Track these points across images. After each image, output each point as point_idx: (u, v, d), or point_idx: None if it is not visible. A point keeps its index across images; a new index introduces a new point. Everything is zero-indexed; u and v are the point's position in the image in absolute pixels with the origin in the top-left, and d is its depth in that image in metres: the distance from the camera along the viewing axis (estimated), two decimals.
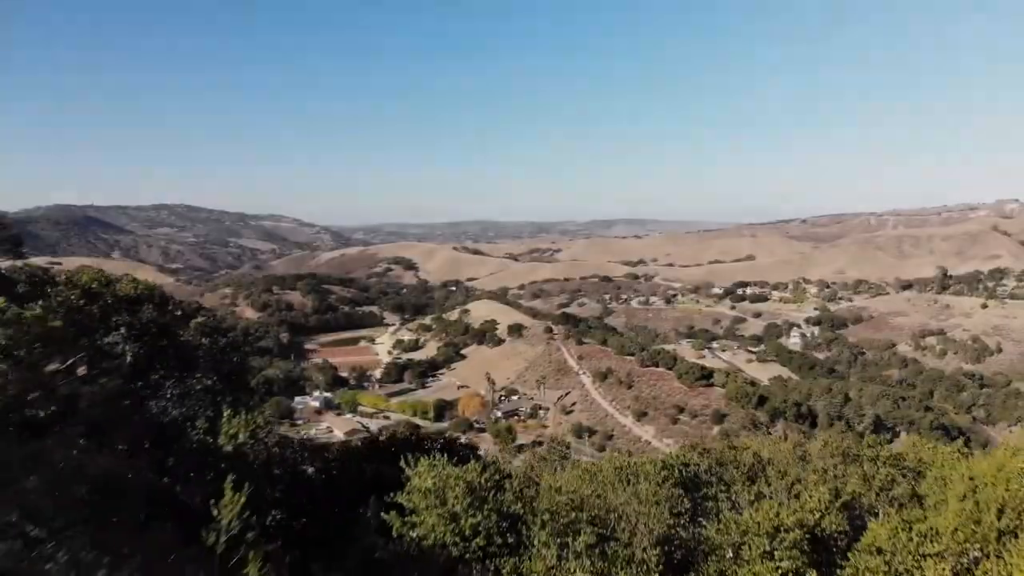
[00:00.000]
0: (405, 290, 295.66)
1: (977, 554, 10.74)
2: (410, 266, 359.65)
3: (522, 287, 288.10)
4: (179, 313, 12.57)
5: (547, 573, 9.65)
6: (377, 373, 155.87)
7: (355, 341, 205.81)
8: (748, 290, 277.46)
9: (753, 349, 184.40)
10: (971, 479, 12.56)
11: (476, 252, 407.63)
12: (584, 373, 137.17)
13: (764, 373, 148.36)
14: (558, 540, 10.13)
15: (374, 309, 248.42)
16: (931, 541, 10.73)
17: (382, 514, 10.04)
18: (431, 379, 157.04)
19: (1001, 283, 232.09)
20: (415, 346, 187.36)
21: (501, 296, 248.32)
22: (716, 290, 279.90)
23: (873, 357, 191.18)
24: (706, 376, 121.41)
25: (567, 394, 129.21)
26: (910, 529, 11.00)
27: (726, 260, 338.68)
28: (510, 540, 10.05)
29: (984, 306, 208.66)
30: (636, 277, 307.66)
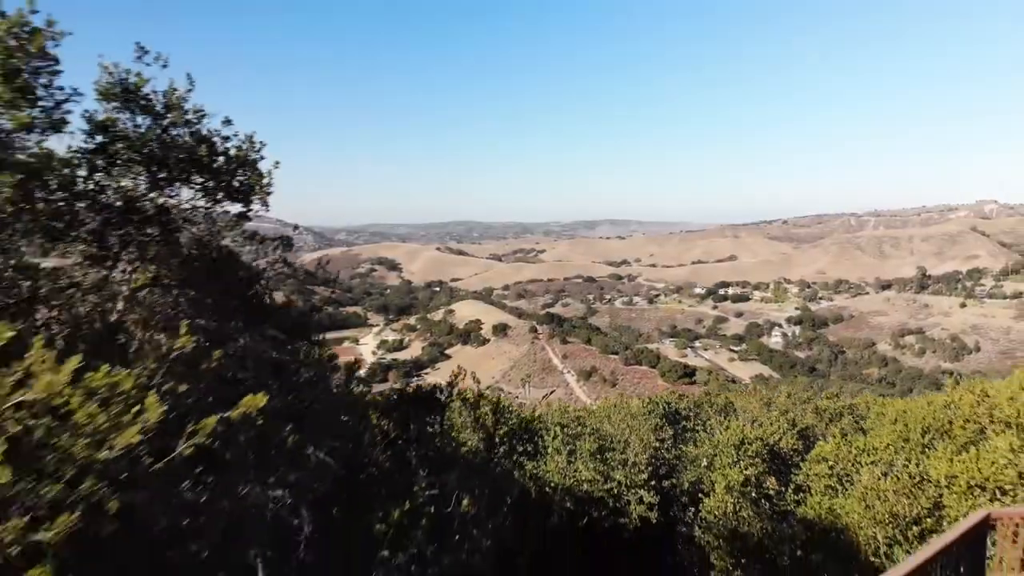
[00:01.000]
0: (389, 291, 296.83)
1: (904, 461, 13.28)
2: (393, 267, 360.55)
3: (506, 287, 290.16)
4: None
5: (559, 471, 12.08)
6: (362, 373, 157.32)
7: (339, 342, 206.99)
8: (730, 290, 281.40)
9: (735, 348, 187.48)
10: (904, 411, 15.16)
11: (460, 253, 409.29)
12: (568, 372, 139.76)
13: (746, 371, 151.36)
14: (567, 448, 12.57)
15: (358, 310, 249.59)
16: (867, 453, 13.24)
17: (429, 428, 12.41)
18: (416, 379, 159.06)
19: (979, 283, 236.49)
20: (400, 346, 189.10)
21: (485, 296, 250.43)
22: (698, 290, 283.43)
23: (853, 356, 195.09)
24: (688, 374, 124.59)
25: (552, 392, 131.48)
26: (851, 445, 13.55)
27: (708, 261, 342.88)
28: (529, 448, 12.44)
29: (963, 305, 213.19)
30: (620, 277, 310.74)
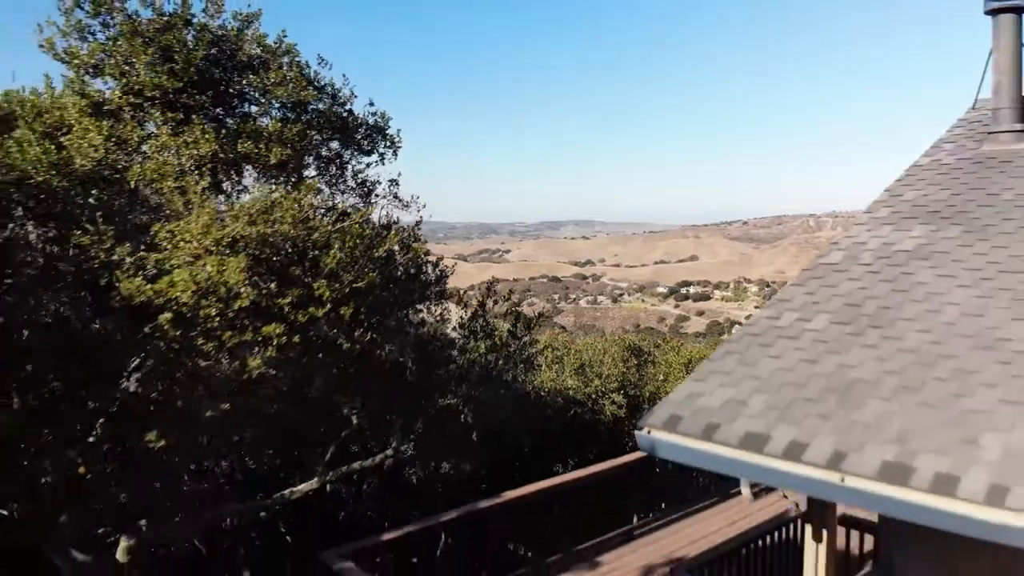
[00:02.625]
0: None
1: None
2: None
3: (472, 287, 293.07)
4: None
5: (550, 380, 15.83)
6: None
7: None
8: (691, 289, 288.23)
9: (697, 345, 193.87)
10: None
11: (426, 253, 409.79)
12: None
13: None
14: (555, 365, 16.34)
15: None
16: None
17: None
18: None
19: None
20: None
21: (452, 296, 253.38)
22: (661, 289, 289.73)
23: None
24: None
25: None
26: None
27: (671, 261, 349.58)
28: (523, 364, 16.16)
29: None
30: (584, 277, 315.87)
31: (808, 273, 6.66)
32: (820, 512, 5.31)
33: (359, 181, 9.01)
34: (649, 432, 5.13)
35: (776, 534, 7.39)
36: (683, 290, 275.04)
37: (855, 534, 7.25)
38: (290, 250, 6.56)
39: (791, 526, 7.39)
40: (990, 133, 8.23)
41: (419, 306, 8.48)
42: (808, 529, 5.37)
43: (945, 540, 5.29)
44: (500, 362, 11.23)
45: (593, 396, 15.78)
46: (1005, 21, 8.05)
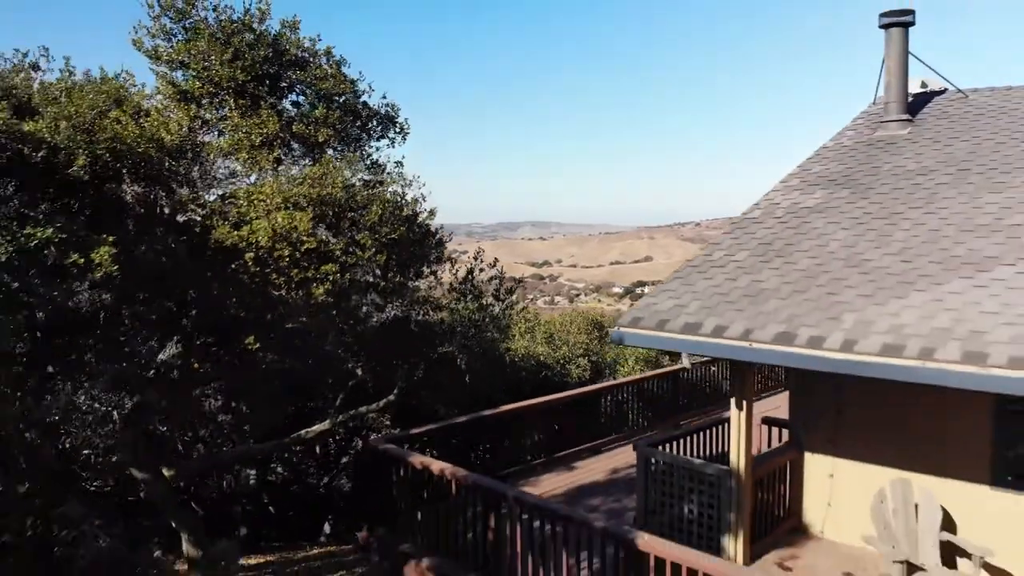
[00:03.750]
0: None
1: None
2: None
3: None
4: None
5: (523, 348, 17.81)
6: None
7: None
8: (646, 289, 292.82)
9: None
10: None
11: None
12: None
13: None
14: (527, 334, 18.33)
15: None
16: None
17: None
18: None
19: None
20: None
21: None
22: (617, 289, 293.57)
23: None
24: None
25: None
26: None
27: (626, 261, 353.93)
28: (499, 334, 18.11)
29: None
30: (542, 278, 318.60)
31: (735, 225, 8.75)
32: (739, 386, 7.32)
33: (372, 161, 10.84)
34: (619, 329, 7.15)
35: (711, 430, 9.51)
36: (638, 290, 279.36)
37: (775, 430, 9.34)
38: (338, 208, 8.43)
39: (723, 425, 9.47)
40: (882, 122, 10.46)
41: (431, 260, 10.28)
42: (732, 402, 7.38)
43: (833, 419, 7.48)
44: (487, 320, 13.14)
45: (561, 361, 17.80)
46: (894, 34, 10.27)
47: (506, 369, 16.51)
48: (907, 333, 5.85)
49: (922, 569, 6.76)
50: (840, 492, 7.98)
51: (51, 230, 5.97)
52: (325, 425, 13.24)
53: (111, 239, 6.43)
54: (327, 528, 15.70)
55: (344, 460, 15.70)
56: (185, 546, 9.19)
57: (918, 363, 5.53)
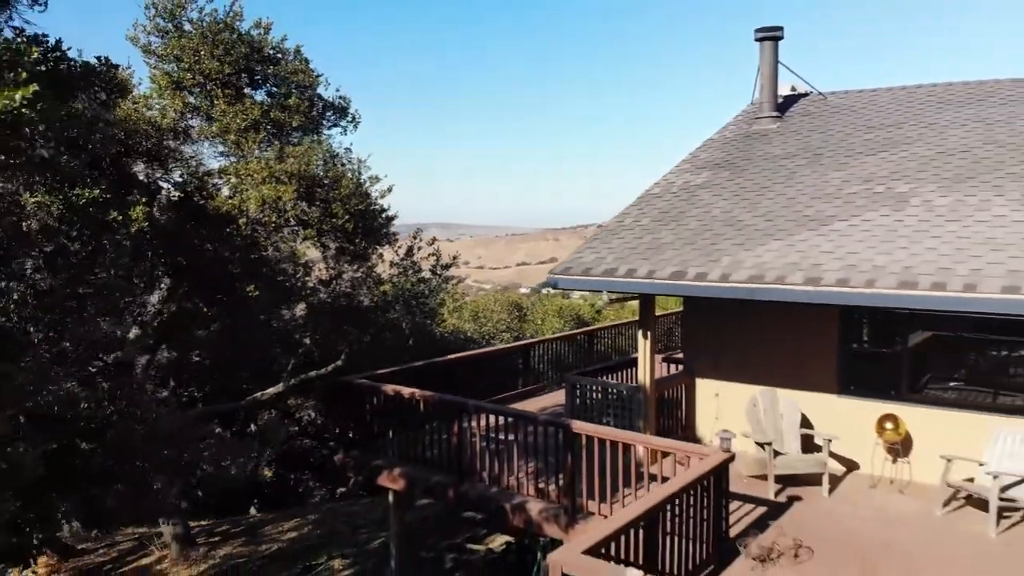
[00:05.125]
0: None
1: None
2: None
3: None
4: None
5: (452, 324, 19.52)
6: None
7: None
8: (550, 291, 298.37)
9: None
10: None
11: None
12: None
13: None
14: (455, 312, 20.06)
15: None
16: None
17: None
18: None
19: None
20: None
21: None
22: (524, 290, 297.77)
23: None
24: None
25: None
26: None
27: (532, 263, 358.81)
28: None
29: None
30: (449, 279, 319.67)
31: (640, 199, 10.78)
32: (645, 317, 9.31)
33: (328, 145, 12.35)
34: (553, 276, 9.03)
35: (622, 371, 11.53)
36: (543, 291, 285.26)
37: (674, 367, 11.42)
38: (314, 183, 9.98)
39: (631, 368, 11.50)
40: (757, 118, 12.73)
41: (384, 233, 11.85)
42: (639, 333, 9.35)
43: (716, 351, 9.56)
44: (427, 292, 14.78)
45: (487, 336, 19.64)
46: (766, 47, 12.52)
47: (437, 343, 18.20)
48: (767, 267, 7.96)
49: (785, 454, 8.91)
50: (724, 408, 10.09)
51: (97, 191, 7.29)
52: (279, 388, 14.64)
53: (143, 200, 7.82)
54: (253, 511, 17.06)
55: (268, 452, 17.06)
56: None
57: (774, 286, 7.65)
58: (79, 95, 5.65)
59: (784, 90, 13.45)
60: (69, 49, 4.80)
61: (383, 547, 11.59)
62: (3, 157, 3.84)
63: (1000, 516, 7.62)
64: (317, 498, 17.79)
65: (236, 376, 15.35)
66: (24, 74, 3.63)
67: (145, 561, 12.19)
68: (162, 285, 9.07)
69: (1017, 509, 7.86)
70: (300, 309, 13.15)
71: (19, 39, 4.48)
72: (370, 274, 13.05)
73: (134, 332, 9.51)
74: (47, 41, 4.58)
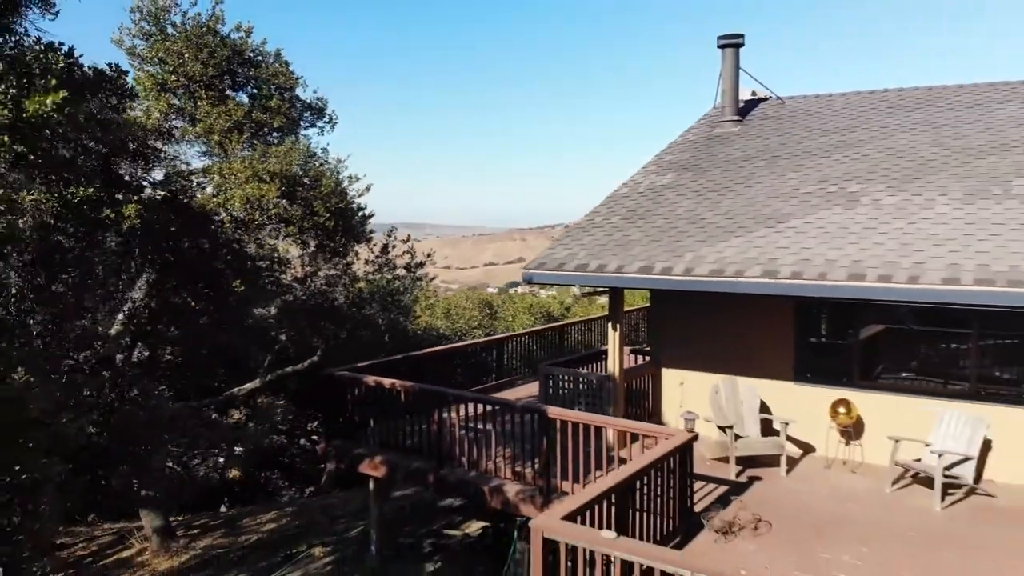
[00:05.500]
0: None
1: None
2: None
3: None
4: None
5: (425, 322, 19.91)
6: None
7: None
8: (519, 289, 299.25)
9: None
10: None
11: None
12: None
13: None
14: (427, 310, 20.43)
15: None
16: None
17: None
18: None
19: None
20: None
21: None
22: (491, 290, 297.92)
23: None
24: None
25: None
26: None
27: (499, 263, 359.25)
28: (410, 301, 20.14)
29: None
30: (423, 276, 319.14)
31: (609, 198, 11.30)
32: (615, 309, 9.82)
33: (307, 145, 12.69)
34: (528, 271, 9.50)
35: (597, 361, 12.04)
36: (511, 290, 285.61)
37: (641, 358, 11.97)
38: (296, 182, 10.33)
39: (601, 360, 12.01)
40: (719, 122, 13.34)
41: (361, 231, 12.23)
42: (609, 325, 9.86)
43: (680, 342, 10.08)
44: (401, 288, 15.17)
45: (459, 333, 20.06)
46: (728, 54, 13.12)
47: (411, 339, 18.57)
48: (727, 262, 8.52)
49: (745, 437, 9.48)
50: (688, 396, 10.63)
51: (91, 190, 7.59)
52: (255, 383, 14.92)
53: (136, 198, 8.12)
54: (223, 509, 17.30)
55: (238, 450, 17.33)
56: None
57: (734, 279, 8.20)
58: (92, 99, 5.96)
59: (745, 95, 14.08)
60: (81, 56, 5.13)
61: (362, 535, 11.95)
62: (32, 156, 4.17)
63: (944, 493, 8.25)
64: (286, 497, 18.03)
65: (210, 373, 15.58)
66: (53, 81, 3.97)
67: (126, 554, 12.39)
68: (142, 281, 9.36)
69: (960, 486, 8.49)
70: (275, 305, 13.45)
71: (36, 46, 4.81)
72: (346, 271, 13.40)
73: (116, 328, 9.77)
74: (62, 48, 4.91)
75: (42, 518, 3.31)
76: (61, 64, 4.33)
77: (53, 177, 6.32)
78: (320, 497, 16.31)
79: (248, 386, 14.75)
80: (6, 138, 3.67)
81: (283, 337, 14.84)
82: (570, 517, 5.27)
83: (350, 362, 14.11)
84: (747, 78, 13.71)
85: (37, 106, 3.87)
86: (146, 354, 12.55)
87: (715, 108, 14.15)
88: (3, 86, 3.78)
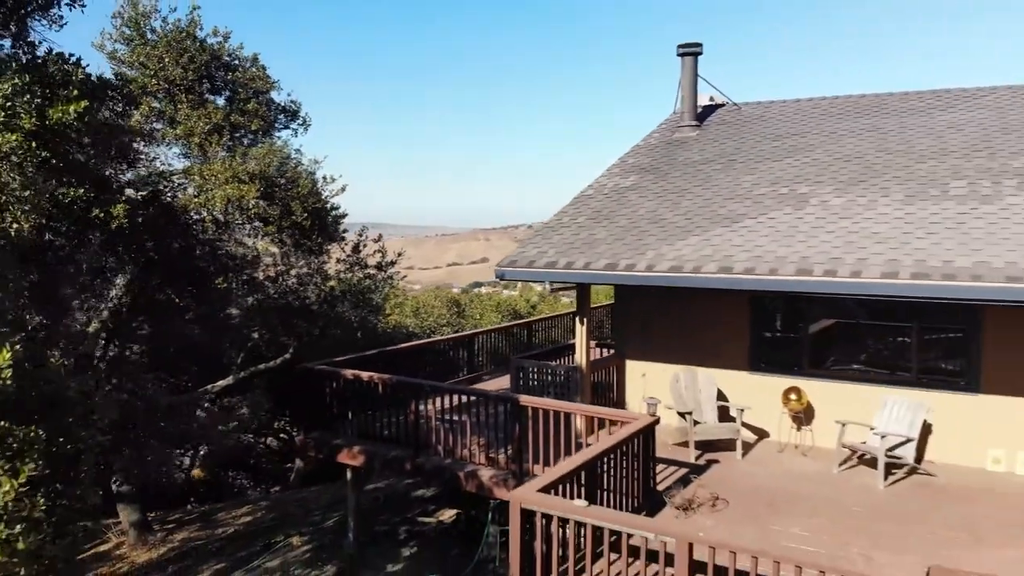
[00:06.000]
0: None
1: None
2: None
3: None
4: None
5: (395, 320, 20.30)
6: None
7: None
8: (483, 289, 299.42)
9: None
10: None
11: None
12: None
13: None
14: (397, 308, 20.83)
15: None
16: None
17: None
18: None
19: None
20: None
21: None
22: (455, 289, 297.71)
23: None
24: None
25: None
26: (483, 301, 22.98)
27: (463, 263, 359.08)
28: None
29: None
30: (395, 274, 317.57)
31: (576, 199, 11.86)
32: (582, 304, 10.39)
33: (281, 145, 13.01)
34: (501, 268, 10.01)
35: (565, 355, 12.61)
36: (475, 290, 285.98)
37: (606, 351, 12.55)
38: (274, 183, 10.69)
39: (568, 355, 12.57)
40: (678, 127, 13.99)
41: (335, 230, 12.59)
42: (577, 319, 10.42)
43: (642, 335, 10.65)
44: (373, 287, 15.52)
45: (427, 331, 20.48)
46: (687, 62, 13.77)
47: (381, 337, 18.95)
48: (685, 259, 9.13)
49: (704, 423, 10.11)
50: (650, 385, 11.23)
51: (81, 190, 7.89)
52: (228, 380, 15.17)
53: (123, 199, 8.44)
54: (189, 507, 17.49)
55: (203, 451, 17.55)
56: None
57: (692, 274, 8.81)
58: (99, 106, 6.30)
59: (703, 100, 14.76)
60: (88, 65, 5.49)
61: (337, 525, 12.33)
62: (54, 161, 4.54)
63: (888, 472, 8.95)
64: (253, 497, 18.24)
65: (181, 370, 15.77)
66: (75, 91, 4.36)
67: (103, 548, 12.60)
68: (120, 280, 9.63)
69: (902, 466, 9.19)
70: (248, 304, 13.73)
71: (49, 56, 5.18)
72: (318, 270, 13.74)
73: (94, 326, 10.04)
74: (71, 58, 5.26)
75: (83, 484, 3.69)
76: (80, 75, 4.70)
77: (54, 181, 6.63)
78: (292, 492, 16.62)
79: (221, 383, 14.99)
80: (33, 144, 4.02)
81: (255, 335, 15.12)
82: (544, 490, 5.79)
83: (322, 359, 14.40)
84: (705, 85, 14.41)
85: (60, 115, 4.24)
86: (118, 352, 12.82)
87: (675, 113, 14.81)
88: (28, 96, 4.14)
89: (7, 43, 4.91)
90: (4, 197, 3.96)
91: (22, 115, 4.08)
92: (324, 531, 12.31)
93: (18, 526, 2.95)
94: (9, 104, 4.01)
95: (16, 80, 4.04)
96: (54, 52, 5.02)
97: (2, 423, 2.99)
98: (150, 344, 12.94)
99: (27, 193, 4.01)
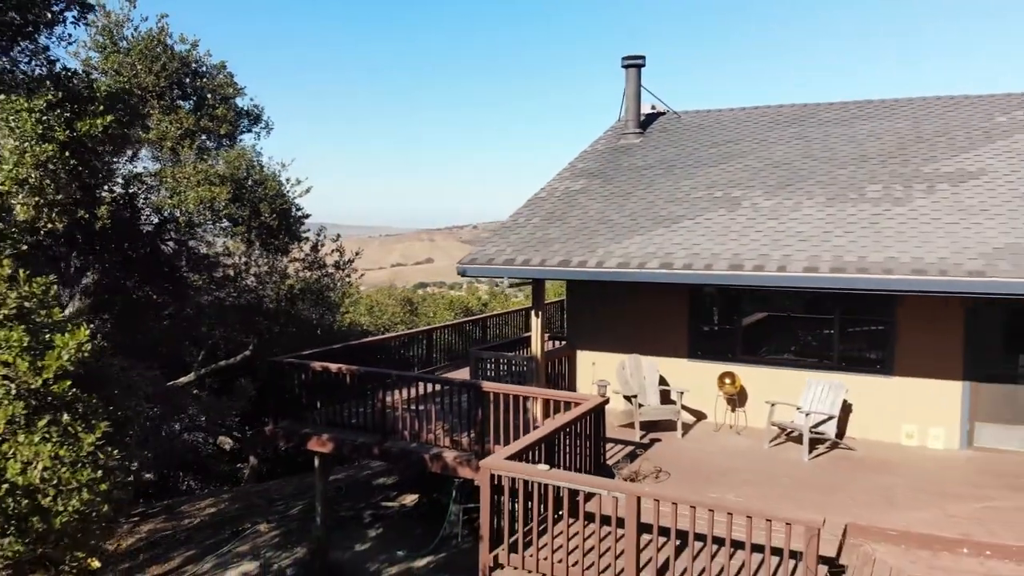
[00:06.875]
0: None
1: None
2: None
3: None
4: None
5: (349, 317, 20.82)
6: None
7: None
8: (429, 290, 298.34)
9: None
10: None
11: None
12: None
13: None
14: (352, 307, 21.36)
15: None
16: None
17: None
18: None
19: None
20: None
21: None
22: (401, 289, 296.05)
23: None
24: None
25: None
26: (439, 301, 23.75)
27: (407, 263, 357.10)
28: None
29: None
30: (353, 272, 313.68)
31: (530, 201, 12.71)
32: (537, 298, 11.22)
33: (239, 150, 13.51)
34: (462, 265, 10.78)
35: (520, 347, 13.43)
36: (420, 291, 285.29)
37: (559, 343, 13.43)
38: (242, 184, 11.24)
39: (524, 347, 13.41)
40: (623, 134, 14.94)
41: (299, 231, 13.15)
42: (532, 312, 11.26)
43: (592, 327, 11.54)
44: (332, 285, 16.08)
45: (382, 328, 21.09)
46: (631, 73, 14.72)
47: (338, 335, 19.49)
48: (631, 256, 10.05)
49: (648, 405, 11.05)
50: (599, 373, 12.14)
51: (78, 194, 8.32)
52: (190, 377, 15.58)
53: (109, 200, 8.94)
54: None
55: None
56: None
57: (636, 270, 9.73)
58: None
59: (646, 108, 15.75)
60: (95, 80, 6.03)
61: (303, 512, 12.91)
62: (80, 168, 5.12)
63: (812, 447, 9.99)
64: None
65: (146, 367, 16.06)
66: (101, 107, 4.96)
67: None
68: (89, 279, 10.05)
69: (825, 441, 10.25)
70: (209, 300, 14.17)
71: (66, 71, 5.74)
72: (277, 269, 14.28)
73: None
74: (79, 74, 5.79)
75: (129, 448, 4.27)
76: (104, 91, 5.25)
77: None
78: (254, 484, 17.06)
79: (183, 379, 15.38)
80: (66, 153, 4.57)
81: (216, 332, 15.54)
82: (513, 457, 6.58)
83: (282, 355, 14.89)
84: (648, 95, 15.39)
85: (88, 127, 4.83)
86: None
87: (620, 121, 15.76)
88: (59, 110, 4.69)
89: (26, 59, 5.45)
90: (40, 200, 4.52)
91: (56, 127, 4.63)
92: (290, 518, 12.87)
93: (99, 471, 3.57)
94: (45, 117, 4.56)
95: (50, 96, 4.60)
96: (71, 69, 5.56)
97: (75, 390, 3.60)
98: (114, 342, 13.29)
99: (60, 197, 4.59)
